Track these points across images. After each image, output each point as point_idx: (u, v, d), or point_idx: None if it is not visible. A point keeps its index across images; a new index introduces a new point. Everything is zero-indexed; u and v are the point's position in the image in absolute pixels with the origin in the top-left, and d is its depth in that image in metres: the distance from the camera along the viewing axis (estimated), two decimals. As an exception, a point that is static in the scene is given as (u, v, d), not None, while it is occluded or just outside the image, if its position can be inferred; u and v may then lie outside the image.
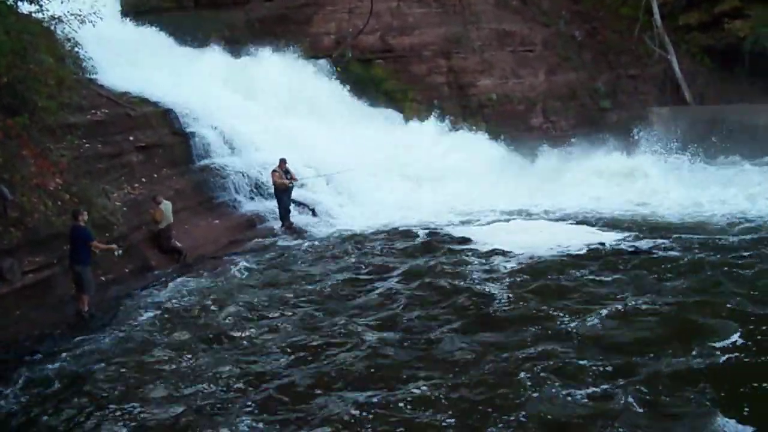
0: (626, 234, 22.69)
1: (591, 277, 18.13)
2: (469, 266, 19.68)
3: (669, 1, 43.88)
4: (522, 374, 12.52)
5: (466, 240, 22.91)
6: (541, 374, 12.41)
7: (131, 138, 24.54)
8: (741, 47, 40.68)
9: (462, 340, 14.38)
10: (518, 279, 18.21)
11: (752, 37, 39.79)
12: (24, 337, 15.93)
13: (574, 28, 44.57)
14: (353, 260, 21.09)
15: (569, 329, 14.52)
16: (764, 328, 13.92)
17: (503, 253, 20.90)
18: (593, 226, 24.44)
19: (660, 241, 21.43)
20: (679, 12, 43.98)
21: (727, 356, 12.85)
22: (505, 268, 19.37)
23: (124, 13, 34.62)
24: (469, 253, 21.13)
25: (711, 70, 42.97)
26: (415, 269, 19.61)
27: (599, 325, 14.63)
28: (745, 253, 19.38)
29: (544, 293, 16.86)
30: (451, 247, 22.02)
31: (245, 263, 21.31)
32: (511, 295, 16.82)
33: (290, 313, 16.68)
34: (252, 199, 26.85)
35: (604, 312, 15.18)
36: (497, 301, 16.50)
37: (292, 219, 25.79)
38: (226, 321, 16.43)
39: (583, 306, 15.83)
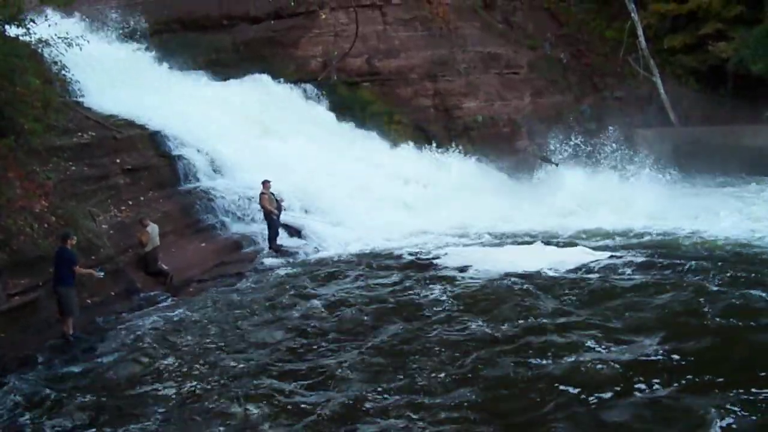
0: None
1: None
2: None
3: (653, 24, 44.44)
4: None
5: (441, 267, 22.79)
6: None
7: (118, 160, 24.57)
8: (725, 69, 41.14)
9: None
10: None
11: (735, 59, 40.26)
12: (9, 359, 15.83)
13: (560, 51, 45.06)
14: (329, 290, 20.77)
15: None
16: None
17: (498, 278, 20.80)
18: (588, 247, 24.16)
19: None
20: (663, 35, 44.51)
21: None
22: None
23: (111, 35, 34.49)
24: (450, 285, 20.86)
25: (696, 92, 43.43)
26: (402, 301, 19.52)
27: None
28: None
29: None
30: (430, 275, 21.77)
31: (227, 289, 21.37)
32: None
33: (262, 351, 16.20)
34: (238, 221, 26.77)
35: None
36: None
37: (279, 241, 25.76)
38: (206, 349, 16.35)
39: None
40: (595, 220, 28.29)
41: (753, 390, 12.20)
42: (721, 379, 12.77)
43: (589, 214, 29.63)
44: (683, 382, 12.80)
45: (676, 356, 13.82)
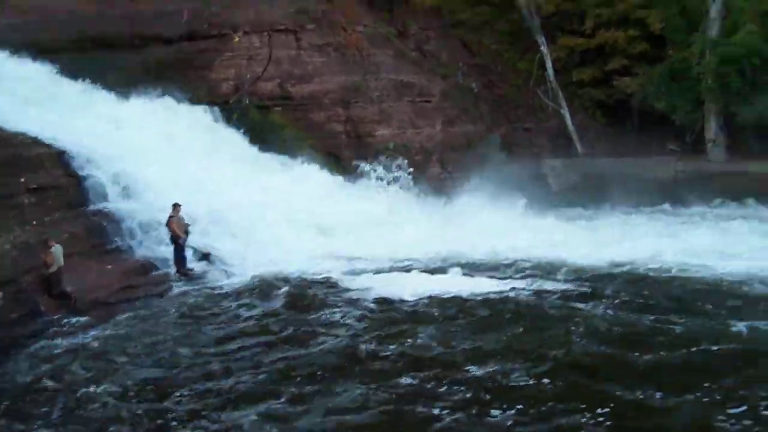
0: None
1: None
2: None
3: (562, 58, 45.57)
4: None
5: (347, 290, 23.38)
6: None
7: (23, 179, 24.18)
8: (630, 103, 42.48)
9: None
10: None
11: (640, 95, 41.70)
12: None
13: (472, 81, 45.77)
14: (230, 316, 20.98)
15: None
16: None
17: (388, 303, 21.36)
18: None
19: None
20: (572, 68, 45.73)
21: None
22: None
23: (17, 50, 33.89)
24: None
25: (603, 125, 44.74)
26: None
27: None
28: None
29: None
30: (328, 299, 22.28)
31: (132, 313, 21.27)
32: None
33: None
34: (147, 244, 26.54)
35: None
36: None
37: (189, 264, 25.70)
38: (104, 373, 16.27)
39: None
40: (495, 247, 29.01)
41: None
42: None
43: (487, 241, 30.23)
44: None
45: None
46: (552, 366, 15.62)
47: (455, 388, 14.83)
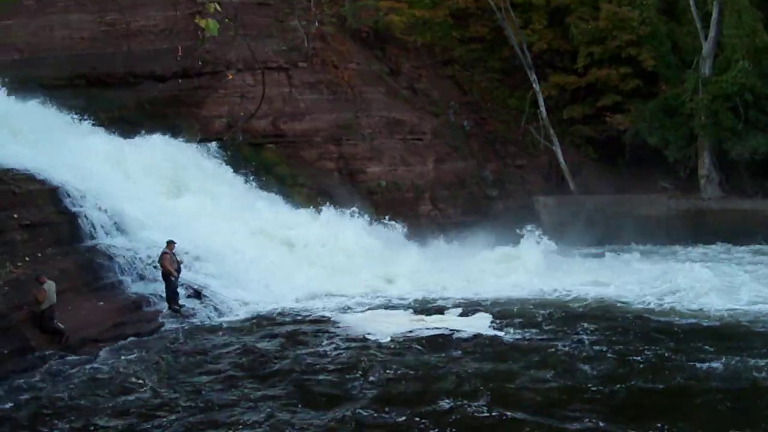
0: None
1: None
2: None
3: (554, 95, 46.00)
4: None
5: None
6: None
7: (15, 215, 24.11)
8: (622, 139, 42.79)
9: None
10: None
11: (632, 131, 42.10)
12: None
13: (463, 118, 46.18)
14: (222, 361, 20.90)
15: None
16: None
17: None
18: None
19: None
20: (563, 105, 46.20)
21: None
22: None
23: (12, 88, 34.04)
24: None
25: (595, 161, 45.09)
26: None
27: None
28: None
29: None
30: (316, 339, 22.41)
31: (123, 350, 21.27)
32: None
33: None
34: (139, 281, 26.55)
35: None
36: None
37: (181, 301, 25.72)
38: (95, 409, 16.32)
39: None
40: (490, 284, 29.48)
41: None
42: None
43: (480, 280, 30.86)
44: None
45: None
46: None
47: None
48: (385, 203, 40.92)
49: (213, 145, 38.47)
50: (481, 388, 16.91)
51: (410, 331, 22.64)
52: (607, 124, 43.77)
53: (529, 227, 34.60)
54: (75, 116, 34.48)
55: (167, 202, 31.60)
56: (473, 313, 24.93)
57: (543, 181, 44.39)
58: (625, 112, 43.23)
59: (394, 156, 42.76)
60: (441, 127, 45.03)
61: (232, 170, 37.52)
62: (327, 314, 25.50)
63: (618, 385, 16.79)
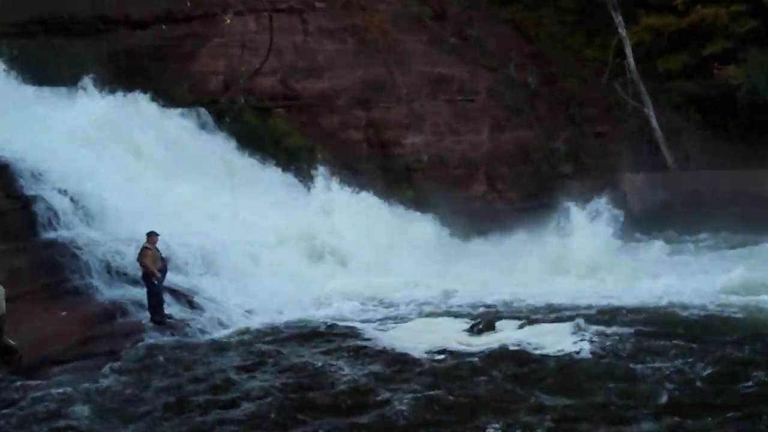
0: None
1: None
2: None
3: (646, 42, 45.12)
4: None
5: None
6: None
7: (-48, 202, 24.11)
8: (734, 98, 41.85)
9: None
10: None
11: (747, 86, 40.99)
12: None
13: (527, 74, 45.77)
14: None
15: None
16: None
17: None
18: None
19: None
20: (658, 54, 45.22)
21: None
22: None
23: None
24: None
25: (698, 127, 44.16)
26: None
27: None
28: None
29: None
30: (340, 354, 21.98)
31: (93, 374, 20.69)
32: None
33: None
34: (113, 283, 26.23)
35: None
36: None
37: (166, 310, 25.38)
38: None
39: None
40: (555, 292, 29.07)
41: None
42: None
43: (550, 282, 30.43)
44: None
45: None
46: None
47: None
48: (426, 184, 40.69)
49: (206, 110, 38.53)
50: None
51: (461, 349, 22.08)
52: (715, 79, 42.85)
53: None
54: (29, 73, 34.24)
55: (148, 184, 31.40)
56: (543, 324, 24.42)
57: (631, 153, 43.61)
58: (738, 63, 42.32)
59: (438, 123, 42.58)
60: (499, 86, 44.72)
61: (230, 142, 37.61)
62: (354, 326, 24.94)
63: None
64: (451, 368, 20.27)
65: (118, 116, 34.52)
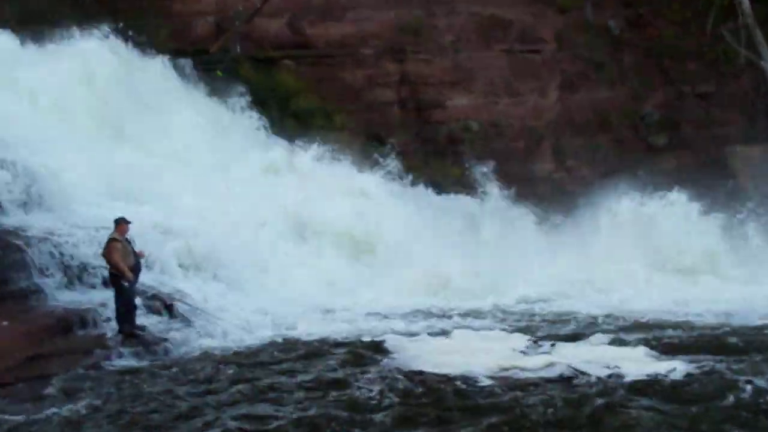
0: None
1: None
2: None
3: (763, -25, 44.61)
4: None
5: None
6: None
7: None
8: None
9: None
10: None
11: None
12: None
13: (608, 16, 45.33)
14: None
15: None
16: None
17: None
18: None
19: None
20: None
21: None
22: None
23: None
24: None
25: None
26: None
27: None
28: None
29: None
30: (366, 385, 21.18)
31: (43, 403, 20.19)
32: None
33: None
34: (70, 285, 26.00)
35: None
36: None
37: (137, 320, 24.95)
38: None
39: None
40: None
41: None
42: None
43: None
44: None
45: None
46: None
47: None
48: (477, 157, 40.17)
49: (191, 60, 38.65)
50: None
51: (517, 369, 21.26)
52: None
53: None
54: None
55: (115, 155, 31.49)
56: (629, 340, 23.90)
57: (743, 119, 43.34)
58: None
59: (492, 79, 42.37)
60: (571, 32, 44.40)
61: (222, 102, 37.65)
62: (382, 339, 24.41)
63: None
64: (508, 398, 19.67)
65: (79, 65, 34.47)
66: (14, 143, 28.37)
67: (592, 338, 24.05)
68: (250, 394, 20.51)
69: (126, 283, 24.30)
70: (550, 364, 21.48)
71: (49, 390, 21.00)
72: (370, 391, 20.06)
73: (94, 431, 18.50)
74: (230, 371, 21.96)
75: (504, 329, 25.53)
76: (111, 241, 24.26)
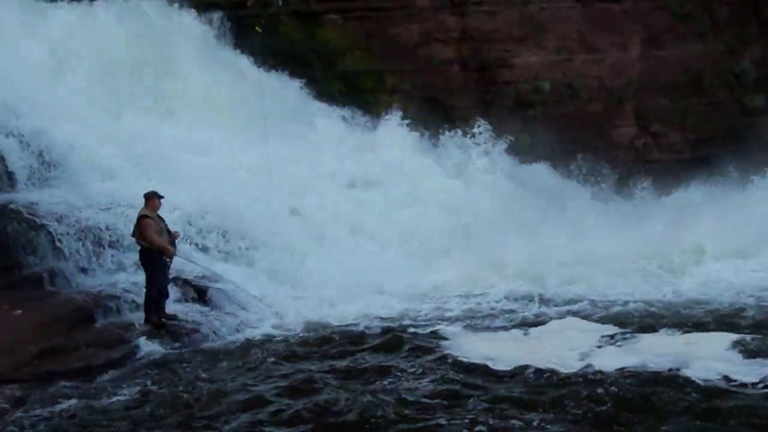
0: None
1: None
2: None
3: None
4: None
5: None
6: None
7: None
8: None
9: None
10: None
11: None
12: None
13: (698, -39, 44.87)
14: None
15: None
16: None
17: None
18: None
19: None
20: None
21: None
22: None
23: None
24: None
25: None
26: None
27: None
28: None
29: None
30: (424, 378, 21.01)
31: (63, 404, 20.11)
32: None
33: None
34: (90, 269, 26.08)
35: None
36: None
37: (168, 308, 24.97)
38: None
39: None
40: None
41: None
42: None
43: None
44: None
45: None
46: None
47: None
48: (548, 123, 40.49)
49: (225, 14, 38.76)
50: None
51: (616, 365, 21.14)
52: None
53: None
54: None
55: (139, 124, 31.69)
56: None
57: None
58: None
59: (565, 33, 42.30)
60: (655, -21, 43.92)
61: (260, 63, 37.68)
62: (438, 329, 24.28)
63: None
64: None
65: (98, 24, 34.65)
66: (28, 112, 28.48)
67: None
68: (301, 380, 20.56)
69: (167, 260, 24.29)
70: (625, 357, 21.44)
71: (64, 386, 21.03)
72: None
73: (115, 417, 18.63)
74: (271, 359, 22.07)
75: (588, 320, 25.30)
76: (142, 217, 24.10)
